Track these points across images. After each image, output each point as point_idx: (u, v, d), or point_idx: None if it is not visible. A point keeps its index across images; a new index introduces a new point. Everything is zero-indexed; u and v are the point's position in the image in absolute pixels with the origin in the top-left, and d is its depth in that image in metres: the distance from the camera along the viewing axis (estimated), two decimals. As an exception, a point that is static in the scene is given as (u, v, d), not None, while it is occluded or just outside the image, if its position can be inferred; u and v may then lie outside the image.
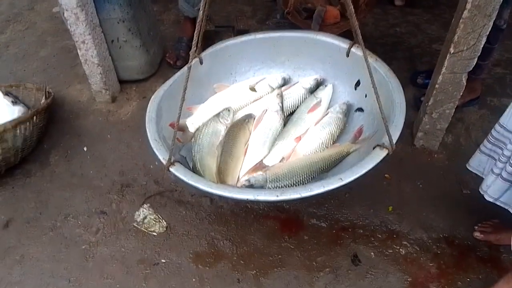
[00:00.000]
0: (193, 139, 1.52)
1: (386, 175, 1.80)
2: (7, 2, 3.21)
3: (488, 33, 1.48)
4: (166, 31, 2.73)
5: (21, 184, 1.89)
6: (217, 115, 1.57)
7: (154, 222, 1.70)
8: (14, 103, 2.01)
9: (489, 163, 1.45)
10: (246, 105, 1.68)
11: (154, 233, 1.67)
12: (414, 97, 2.12)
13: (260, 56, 1.73)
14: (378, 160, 1.15)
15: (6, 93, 2.05)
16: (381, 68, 1.43)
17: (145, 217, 1.72)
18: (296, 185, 1.33)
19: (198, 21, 0.89)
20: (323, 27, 1.97)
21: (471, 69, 1.57)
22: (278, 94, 1.63)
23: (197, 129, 1.55)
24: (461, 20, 1.45)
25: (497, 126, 1.38)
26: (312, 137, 1.50)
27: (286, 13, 2.02)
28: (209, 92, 1.69)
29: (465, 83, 1.61)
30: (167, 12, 2.87)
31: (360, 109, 1.57)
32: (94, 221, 1.73)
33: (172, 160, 1.23)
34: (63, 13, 1.87)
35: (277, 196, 1.11)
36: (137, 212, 1.74)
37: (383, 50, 2.48)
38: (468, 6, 1.41)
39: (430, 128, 1.81)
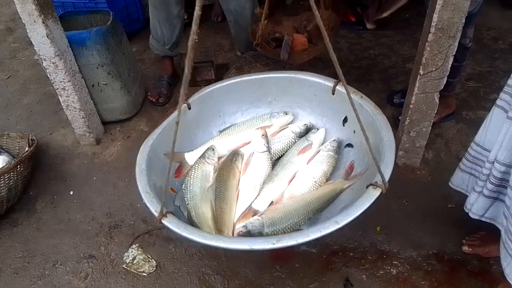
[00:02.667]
0: (183, 185, 1.49)
1: (371, 196, 1.82)
2: (-12, 52, 3.26)
3: (454, 53, 1.54)
4: (147, 70, 2.78)
5: (8, 234, 1.87)
6: (203, 156, 1.55)
7: (143, 262, 1.69)
8: (-2, 153, 2.02)
9: (470, 180, 1.47)
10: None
11: (144, 274, 1.65)
12: (392, 116, 2.17)
13: (247, 97, 1.75)
14: (372, 200, 1.14)
15: (-11, 144, 2.06)
16: (367, 106, 1.44)
17: (134, 258, 1.70)
18: (293, 227, 1.32)
19: (184, 74, 0.91)
20: (292, 55, 2.03)
21: (442, 88, 1.63)
22: (263, 134, 1.61)
23: (186, 174, 1.52)
24: (427, 43, 1.52)
25: (473, 145, 1.41)
26: (305, 176, 1.49)
27: (255, 45, 2.08)
28: (198, 137, 1.70)
29: (438, 102, 1.67)
30: (147, 51, 2.93)
31: (350, 145, 1.58)
32: (83, 266, 1.71)
33: (164, 212, 1.18)
34: (42, 62, 1.90)
35: (274, 244, 1.08)
36: (126, 254, 1.72)
37: (359, 73, 2.56)
38: (432, 29, 1.48)
39: (410, 146, 1.85)
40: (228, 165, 1.55)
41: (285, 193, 1.48)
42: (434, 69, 1.58)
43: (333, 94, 1.57)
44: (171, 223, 1.18)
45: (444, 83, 1.62)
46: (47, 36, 1.78)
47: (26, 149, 2.00)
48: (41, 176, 2.10)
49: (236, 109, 1.77)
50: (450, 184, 1.56)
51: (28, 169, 1.97)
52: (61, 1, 2.79)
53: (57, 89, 2.00)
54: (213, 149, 1.58)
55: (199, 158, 1.55)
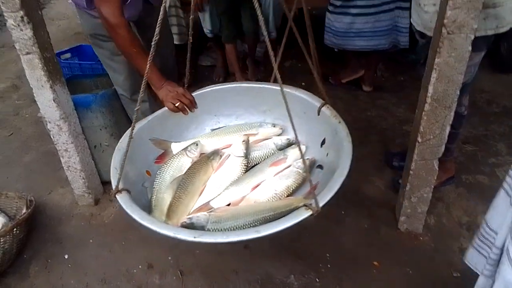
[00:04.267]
0: (158, 171, 1.61)
1: (374, 262, 1.78)
2: (-8, 109, 3.32)
3: (451, 122, 1.58)
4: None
5: (-2, 300, 1.80)
6: (185, 148, 1.66)
7: (138, 334, 1.61)
8: (-5, 214, 1.99)
9: (481, 260, 1.43)
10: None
11: None
12: (392, 179, 2.18)
13: (243, 103, 1.84)
14: (298, 219, 1.19)
15: (-13, 204, 2.03)
16: (341, 132, 1.50)
17: (128, 330, 1.63)
18: (236, 229, 1.34)
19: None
20: None
21: (440, 155, 1.65)
22: (244, 140, 1.68)
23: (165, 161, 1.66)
24: (423, 113, 1.56)
25: (483, 223, 1.38)
26: (268, 187, 1.53)
27: None
28: (190, 131, 1.83)
29: (437, 168, 1.68)
30: (149, 110, 2.99)
31: (320, 166, 1.60)
32: (74, 338, 1.63)
33: (120, 188, 1.34)
34: (46, 124, 1.93)
35: (194, 237, 1.18)
36: (120, 325, 1.65)
37: (357, 134, 2.55)
38: (428, 100, 1.53)
39: (412, 212, 1.84)
40: (203, 161, 1.62)
41: (246, 198, 1.52)
42: (432, 137, 1.61)
43: (318, 114, 1.64)
44: (122, 199, 1.33)
45: (443, 150, 1.65)
46: (54, 100, 1.83)
47: (24, 211, 1.98)
48: (37, 238, 2.06)
49: (232, 112, 1.87)
50: (464, 260, 1.51)
51: (24, 232, 1.94)
52: (68, 62, 2.89)
53: (59, 150, 2.01)
54: (197, 144, 1.67)
55: (182, 150, 1.67)
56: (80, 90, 2.21)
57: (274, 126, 1.79)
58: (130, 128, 1.39)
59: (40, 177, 2.47)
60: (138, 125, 1.62)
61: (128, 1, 1.81)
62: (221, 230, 1.34)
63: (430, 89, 1.51)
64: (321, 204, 1.19)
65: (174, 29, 3.18)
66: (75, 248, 2.00)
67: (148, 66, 1.29)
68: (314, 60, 1.88)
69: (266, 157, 1.70)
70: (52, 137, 1.98)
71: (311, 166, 1.60)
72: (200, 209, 1.47)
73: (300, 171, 1.55)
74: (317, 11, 3.57)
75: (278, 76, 1.21)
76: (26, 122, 3.07)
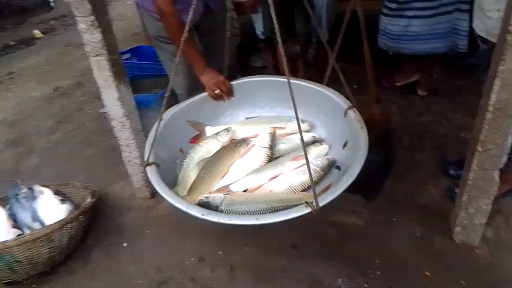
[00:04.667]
0: (189, 151, 1.77)
1: (427, 273, 1.75)
2: (59, 104, 3.58)
3: (514, 131, 1.52)
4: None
5: (64, 282, 1.94)
6: (217, 133, 1.79)
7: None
8: (62, 201, 2.15)
9: None
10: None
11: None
12: (448, 188, 2.12)
13: (278, 96, 1.91)
14: (297, 215, 1.28)
15: (55, 192, 2.20)
16: (360, 137, 1.53)
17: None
18: (246, 214, 1.45)
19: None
20: None
21: (502, 165, 1.59)
22: (270, 132, 1.75)
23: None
24: (484, 121, 1.51)
25: None
26: (284, 179, 1.60)
27: None
28: (226, 116, 1.98)
29: (497, 179, 1.62)
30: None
31: (338, 167, 1.63)
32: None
33: (150, 162, 1.52)
34: (110, 121, 2.07)
35: (202, 215, 1.33)
36: (173, 313, 1.74)
37: (411, 139, 2.55)
38: (490, 108, 1.48)
39: (468, 223, 1.78)
40: (231, 147, 1.74)
41: (263, 187, 1.62)
42: (493, 146, 1.56)
43: (344, 116, 1.67)
44: (150, 171, 1.52)
45: (505, 161, 1.59)
46: (118, 99, 1.95)
47: (89, 200, 2.13)
48: (99, 226, 2.21)
49: (266, 103, 1.96)
50: None
51: (88, 219, 2.09)
52: (128, 62, 3.06)
53: (121, 145, 2.15)
54: (228, 130, 1.80)
55: (214, 134, 1.79)
56: (140, 90, 2.34)
57: (302, 122, 1.83)
58: (160, 111, 1.62)
59: (102, 170, 2.63)
60: (177, 107, 1.86)
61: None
62: (233, 212, 1.46)
63: (493, 97, 1.46)
64: (321, 204, 1.26)
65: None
66: (133, 238, 2.13)
67: (181, 46, 1.49)
68: (368, 63, 1.89)
69: (290, 151, 1.78)
70: (115, 133, 2.11)
71: (330, 166, 1.65)
72: (219, 190, 1.60)
73: (318, 169, 1.61)
74: (370, 13, 3.52)
75: (286, 70, 1.34)
76: (88, 118, 3.28)
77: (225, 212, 1.46)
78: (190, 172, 1.68)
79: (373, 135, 2.03)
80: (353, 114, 1.63)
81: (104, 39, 1.83)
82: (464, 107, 2.79)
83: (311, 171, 1.57)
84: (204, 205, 1.48)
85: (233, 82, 1.92)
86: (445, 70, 3.28)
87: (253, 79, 1.97)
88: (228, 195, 1.53)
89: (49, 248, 1.86)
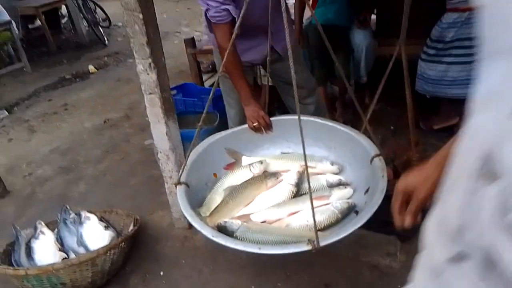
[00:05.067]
0: (222, 176, 1.89)
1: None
2: (108, 135, 3.82)
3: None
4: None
5: (103, 305, 2.04)
6: (251, 164, 1.88)
7: None
8: (106, 227, 2.28)
9: None
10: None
11: None
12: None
13: (313, 136, 1.95)
14: (297, 250, 1.35)
15: (100, 219, 2.35)
16: (379, 186, 1.55)
17: None
18: (257, 243, 1.51)
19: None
20: None
21: None
22: (299, 171, 1.81)
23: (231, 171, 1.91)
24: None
25: None
26: (302, 216, 1.63)
27: None
28: (263, 149, 2.07)
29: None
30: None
31: (356, 212, 1.64)
32: None
33: (180, 181, 1.67)
34: (157, 154, 2.21)
35: (212, 236, 1.44)
36: None
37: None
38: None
39: None
40: (261, 178, 1.81)
41: (280, 221, 1.67)
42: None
43: (370, 163, 1.69)
44: (179, 191, 1.65)
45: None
46: (166, 134, 2.10)
47: (131, 228, 2.25)
48: (138, 253, 2.31)
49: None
50: None
51: (129, 246, 2.20)
52: (174, 98, 3.25)
53: (165, 177, 2.27)
54: (261, 163, 1.88)
55: (249, 164, 1.88)
56: (184, 125, 2.48)
57: (332, 164, 1.90)
58: (195, 136, 1.76)
59: (144, 199, 2.77)
60: (219, 135, 2.01)
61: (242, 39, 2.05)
62: (246, 239, 1.53)
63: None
64: (322, 244, 1.32)
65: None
66: (169, 266, 2.21)
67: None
68: (409, 108, 1.94)
69: (314, 190, 1.80)
70: (160, 165, 2.25)
71: (350, 210, 1.67)
72: (239, 217, 1.66)
73: (336, 211, 1.64)
74: (409, 57, 3.58)
75: (298, 109, 1.44)
76: (134, 149, 3.47)
77: (239, 238, 1.54)
78: (216, 195, 1.79)
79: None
80: (379, 162, 1.66)
81: (159, 79, 2.00)
82: None
83: (329, 212, 1.65)
84: (221, 228, 1.58)
85: (273, 118, 2.02)
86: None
87: (294, 117, 2.06)
88: (245, 223, 1.61)
89: (92, 272, 1.97)
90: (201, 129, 2.33)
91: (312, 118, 2.07)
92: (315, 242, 1.32)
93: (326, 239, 1.36)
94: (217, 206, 1.72)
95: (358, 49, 3.25)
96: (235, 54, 2.00)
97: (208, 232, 1.47)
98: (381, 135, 3.18)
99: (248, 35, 2.08)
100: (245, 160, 1.99)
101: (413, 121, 2.11)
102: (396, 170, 2.13)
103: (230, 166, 1.99)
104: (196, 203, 1.74)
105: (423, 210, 2.12)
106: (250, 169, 1.87)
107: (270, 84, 2.34)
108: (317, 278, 1.98)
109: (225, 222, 1.60)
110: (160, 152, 2.18)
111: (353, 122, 2.78)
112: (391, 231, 2.10)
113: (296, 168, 1.86)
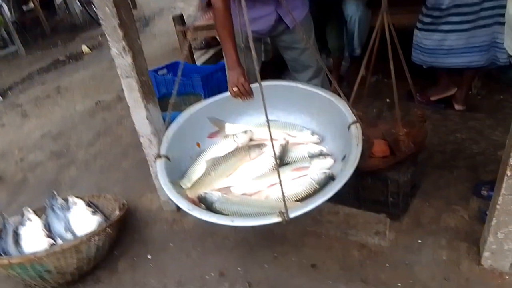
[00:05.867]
0: (206, 147, 1.88)
1: (451, 300, 1.67)
2: (100, 118, 3.77)
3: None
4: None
5: (91, 290, 2.04)
6: (235, 134, 1.87)
7: None
8: (94, 213, 2.25)
9: None
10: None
11: None
12: (479, 209, 2.01)
13: (296, 102, 1.95)
14: (268, 222, 1.37)
15: (88, 204, 2.32)
16: (352, 154, 1.54)
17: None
18: (233, 214, 1.53)
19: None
20: (370, 159, 2.01)
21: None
22: (281, 144, 1.79)
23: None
24: (513, 144, 1.43)
25: None
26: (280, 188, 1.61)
27: None
28: (247, 116, 2.00)
29: (528, 204, 1.53)
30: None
31: (332, 178, 1.62)
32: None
33: (160, 155, 1.68)
34: (140, 137, 2.16)
35: (188, 209, 1.47)
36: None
37: (442, 158, 2.45)
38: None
39: (497, 248, 1.68)
40: (243, 150, 1.81)
41: (260, 193, 1.67)
42: (523, 170, 1.47)
43: (347, 130, 1.67)
44: (159, 164, 1.66)
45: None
46: (146, 118, 2.04)
47: (117, 212, 2.22)
48: (126, 238, 2.29)
49: (285, 107, 1.98)
50: None
51: (116, 231, 2.18)
52: (164, 78, 3.17)
53: (149, 161, 2.23)
54: (245, 132, 1.87)
55: (233, 134, 1.88)
56: (175, 107, 2.41)
57: (313, 135, 1.87)
58: (169, 108, 1.76)
59: (134, 182, 2.74)
60: (201, 104, 1.98)
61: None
62: (224, 210, 1.55)
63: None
64: (291, 215, 1.33)
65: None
66: (157, 250, 2.19)
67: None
68: (408, 77, 1.87)
69: (295, 160, 1.81)
70: (144, 149, 2.20)
71: (327, 179, 1.63)
72: (220, 189, 1.67)
73: (314, 182, 1.61)
74: (405, 26, 3.44)
75: (258, 76, 1.45)
76: (126, 131, 3.42)
77: (218, 210, 1.56)
78: (198, 166, 1.78)
79: (401, 155, 1.98)
80: (355, 130, 1.63)
81: (135, 62, 1.92)
82: (504, 123, 2.64)
83: (307, 183, 1.63)
84: (202, 199, 1.61)
85: (253, 85, 1.96)
86: (486, 84, 3.12)
87: (276, 83, 2.00)
88: (225, 195, 1.62)
89: (77, 259, 1.96)
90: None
91: (293, 84, 2.02)
92: (286, 214, 1.33)
93: (296, 210, 1.36)
94: (199, 178, 1.72)
95: (351, 21, 3.11)
96: (226, 14, 1.94)
97: (184, 205, 1.49)
98: (376, 108, 3.09)
99: (256, 4, 2.05)
100: (228, 127, 1.97)
101: (414, 92, 2.06)
102: (391, 145, 2.05)
103: (214, 135, 1.97)
104: (179, 176, 1.76)
105: (487, 183, 2.09)
106: (234, 139, 1.85)
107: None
108: (304, 259, 1.95)
109: (205, 193, 1.62)
110: (142, 137, 2.13)
111: (348, 95, 2.68)
112: (380, 209, 2.05)
113: (280, 141, 1.82)
